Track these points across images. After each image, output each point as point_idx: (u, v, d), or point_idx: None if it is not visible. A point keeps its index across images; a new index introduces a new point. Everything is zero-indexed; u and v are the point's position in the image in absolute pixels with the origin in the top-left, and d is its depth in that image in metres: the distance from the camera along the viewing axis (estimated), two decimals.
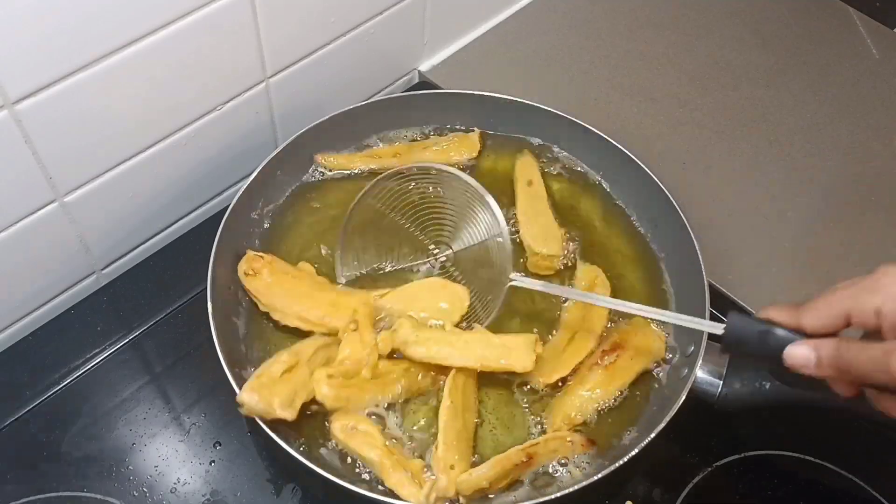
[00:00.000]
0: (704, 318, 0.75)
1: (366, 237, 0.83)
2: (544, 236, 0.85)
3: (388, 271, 0.83)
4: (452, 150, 0.91)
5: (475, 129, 0.93)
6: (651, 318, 0.75)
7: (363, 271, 0.83)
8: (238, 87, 0.83)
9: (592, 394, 0.76)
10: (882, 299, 0.54)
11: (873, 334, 0.56)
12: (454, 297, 0.78)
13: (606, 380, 0.76)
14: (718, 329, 0.64)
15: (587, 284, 0.83)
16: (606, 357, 0.77)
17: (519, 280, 0.76)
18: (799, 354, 0.58)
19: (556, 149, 0.93)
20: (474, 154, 0.91)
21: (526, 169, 0.90)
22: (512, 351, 0.72)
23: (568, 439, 0.73)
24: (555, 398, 0.76)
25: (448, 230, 0.82)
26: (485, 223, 0.78)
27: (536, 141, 0.94)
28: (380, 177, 0.80)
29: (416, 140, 0.93)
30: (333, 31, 0.89)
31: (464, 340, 0.74)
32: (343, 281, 0.82)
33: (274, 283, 0.78)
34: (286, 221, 0.87)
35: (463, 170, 0.80)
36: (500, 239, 0.76)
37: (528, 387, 0.77)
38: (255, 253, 0.79)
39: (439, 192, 0.81)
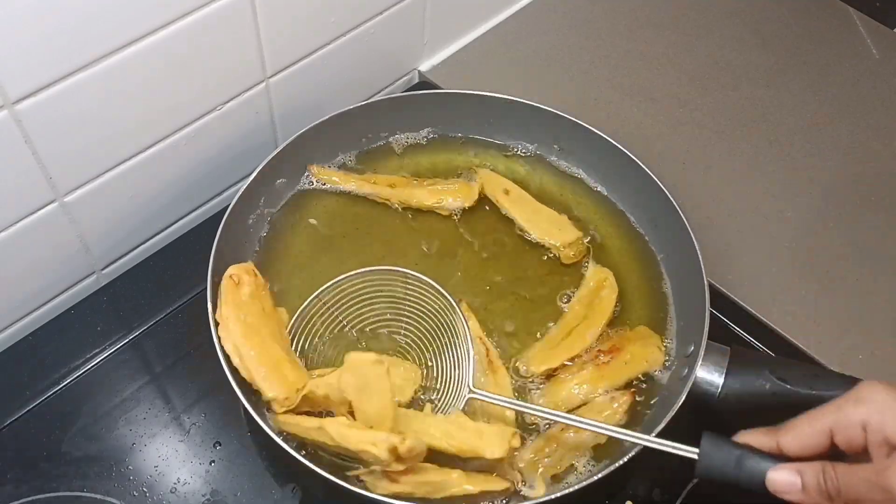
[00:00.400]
0: (704, 318, 0.75)
1: (316, 342, 0.77)
2: (556, 227, 0.86)
3: None
4: (449, 195, 0.88)
5: (476, 180, 0.90)
6: (626, 440, 0.68)
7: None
8: (238, 87, 0.83)
9: (579, 388, 0.76)
10: (867, 411, 0.52)
11: (857, 455, 0.53)
12: (407, 374, 0.75)
13: (595, 378, 0.77)
14: (691, 454, 0.60)
15: (595, 286, 0.83)
16: (601, 356, 0.77)
17: (478, 394, 0.72)
18: (782, 480, 0.55)
19: (556, 147, 0.93)
20: (469, 203, 0.88)
21: (492, 184, 0.90)
22: (484, 437, 0.69)
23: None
24: (542, 387, 0.77)
25: (413, 331, 0.78)
26: (453, 328, 0.76)
27: (533, 145, 0.94)
28: (330, 283, 0.76)
29: (417, 177, 0.91)
30: (333, 31, 0.89)
31: (438, 421, 0.70)
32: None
33: (244, 304, 0.73)
34: (286, 222, 0.87)
35: (452, 216, 0.81)
36: (466, 348, 0.74)
37: (521, 371, 0.78)
38: (253, 268, 0.76)
39: (395, 292, 0.78)
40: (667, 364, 0.78)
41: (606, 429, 0.68)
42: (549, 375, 0.78)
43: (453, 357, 0.76)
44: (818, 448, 0.55)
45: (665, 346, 0.80)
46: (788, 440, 0.56)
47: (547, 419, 0.74)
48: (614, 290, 0.83)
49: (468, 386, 0.73)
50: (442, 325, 0.77)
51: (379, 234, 0.87)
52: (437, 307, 0.77)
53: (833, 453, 0.55)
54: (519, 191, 0.89)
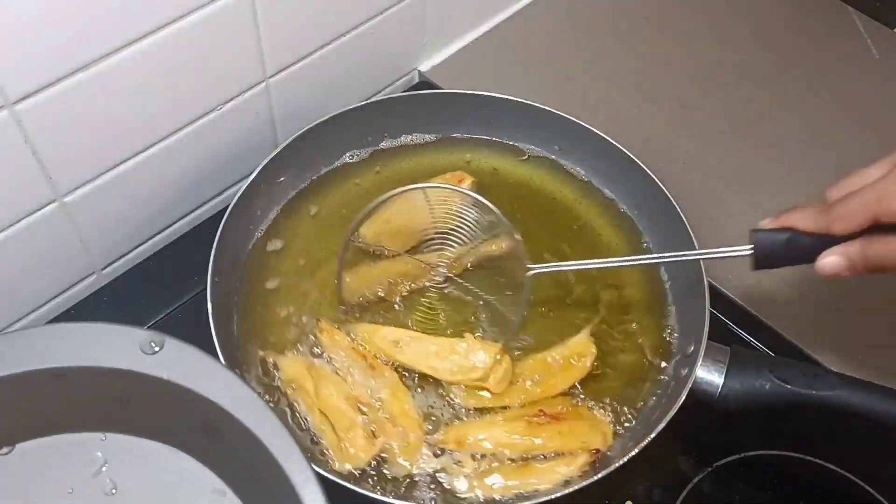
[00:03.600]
0: (704, 318, 0.75)
1: (364, 264, 0.82)
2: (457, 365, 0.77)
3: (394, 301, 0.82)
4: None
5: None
6: (680, 259, 0.76)
7: (365, 298, 0.81)
8: (238, 87, 0.83)
9: (506, 436, 0.73)
10: None
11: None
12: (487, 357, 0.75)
13: (524, 432, 0.73)
14: (747, 251, 0.67)
15: (575, 352, 0.79)
16: (541, 417, 0.74)
17: (538, 268, 0.76)
18: (832, 264, 0.62)
19: (556, 147, 0.93)
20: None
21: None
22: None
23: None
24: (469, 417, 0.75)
25: (449, 244, 0.81)
26: (482, 226, 0.77)
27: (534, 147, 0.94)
28: (370, 205, 0.77)
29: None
30: (333, 31, 0.89)
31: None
32: (345, 307, 0.80)
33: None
34: (286, 222, 0.87)
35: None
36: (506, 234, 0.75)
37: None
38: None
39: (433, 211, 0.80)
40: (610, 452, 0.74)
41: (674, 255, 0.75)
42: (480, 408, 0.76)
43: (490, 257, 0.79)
44: (861, 230, 0.61)
45: (617, 430, 0.75)
46: (837, 227, 0.61)
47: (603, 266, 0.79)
48: (585, 369, 0.78)
49: (526, 266, 0.75)
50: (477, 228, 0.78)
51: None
52: (470, 217, 0.78)
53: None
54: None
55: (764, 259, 0.67)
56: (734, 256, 0.69)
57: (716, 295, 0.84)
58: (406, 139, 0.94)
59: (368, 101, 0.92)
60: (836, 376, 0.72)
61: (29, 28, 0.63)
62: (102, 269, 0.86)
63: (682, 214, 0.82)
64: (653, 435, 0.69)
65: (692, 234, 0.81)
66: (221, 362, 0.60)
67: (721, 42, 1.12)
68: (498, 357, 0.75)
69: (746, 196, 0.96)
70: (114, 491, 0.57)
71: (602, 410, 0.76)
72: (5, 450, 0.58)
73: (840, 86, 1.08)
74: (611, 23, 1.13)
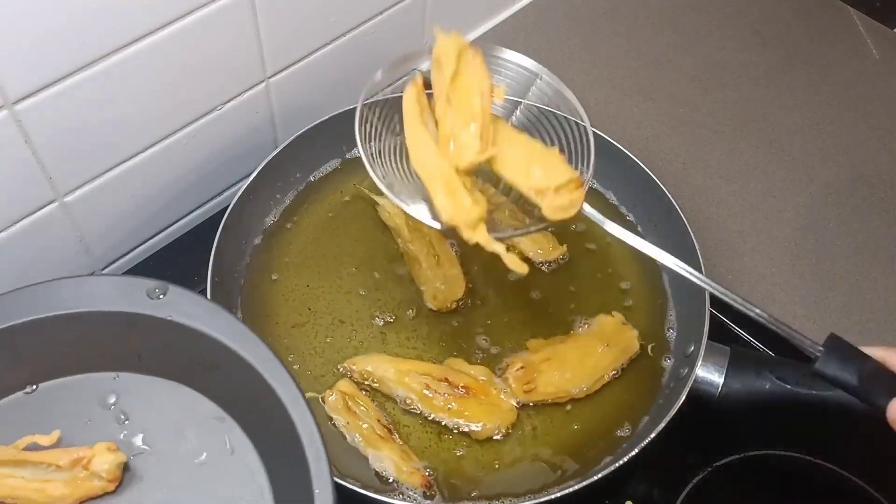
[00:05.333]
0: (704, 318, 0.75)
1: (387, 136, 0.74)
2: (541, 164, 0.67)
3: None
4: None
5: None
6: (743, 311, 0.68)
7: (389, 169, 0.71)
8: (238, 87, 0.83)
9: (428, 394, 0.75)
10: None
11: None
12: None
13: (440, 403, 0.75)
14: (814, 351, 0.59)
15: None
16: (460, 390, 0.75)
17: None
18: None
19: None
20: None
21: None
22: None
23: None
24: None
25: None
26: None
27: None
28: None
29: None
30: (333, 31, 0.89)
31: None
32: (377, 181, 0.68)
33: None
34: (286, 221, 0.87)
35: None
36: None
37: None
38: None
39: None
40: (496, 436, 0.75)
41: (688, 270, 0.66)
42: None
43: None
44: None
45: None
46: None
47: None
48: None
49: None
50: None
51: (380, 232, 0.87)
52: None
53: None
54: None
55: (824, 370, 0.59)
56: (798, 347, 0.61)
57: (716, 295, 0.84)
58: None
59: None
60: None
61: (29, 28, 0.63)
62: (102, 269, 0.86)
63: (682, 214, 0.82)
64: (653, 435, 0.69)
65: (692, 234, 0.81)
66: (220, 305, 0.64)
67: (721, 42, 1.12)
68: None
69: (746, 196, 0.96)
70: (126, 421, 0.65)
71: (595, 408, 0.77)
72: (30, 388, 0.65)
73: (840, 86, 1.08)
74: (611, 23, 1.13)
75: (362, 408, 0.74)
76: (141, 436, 0.64)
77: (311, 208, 0.88)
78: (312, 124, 0.86)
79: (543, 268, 0.85)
